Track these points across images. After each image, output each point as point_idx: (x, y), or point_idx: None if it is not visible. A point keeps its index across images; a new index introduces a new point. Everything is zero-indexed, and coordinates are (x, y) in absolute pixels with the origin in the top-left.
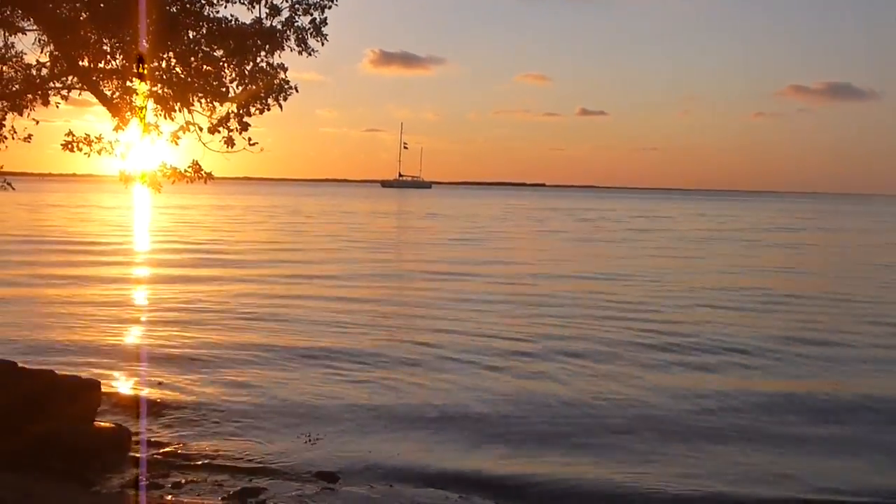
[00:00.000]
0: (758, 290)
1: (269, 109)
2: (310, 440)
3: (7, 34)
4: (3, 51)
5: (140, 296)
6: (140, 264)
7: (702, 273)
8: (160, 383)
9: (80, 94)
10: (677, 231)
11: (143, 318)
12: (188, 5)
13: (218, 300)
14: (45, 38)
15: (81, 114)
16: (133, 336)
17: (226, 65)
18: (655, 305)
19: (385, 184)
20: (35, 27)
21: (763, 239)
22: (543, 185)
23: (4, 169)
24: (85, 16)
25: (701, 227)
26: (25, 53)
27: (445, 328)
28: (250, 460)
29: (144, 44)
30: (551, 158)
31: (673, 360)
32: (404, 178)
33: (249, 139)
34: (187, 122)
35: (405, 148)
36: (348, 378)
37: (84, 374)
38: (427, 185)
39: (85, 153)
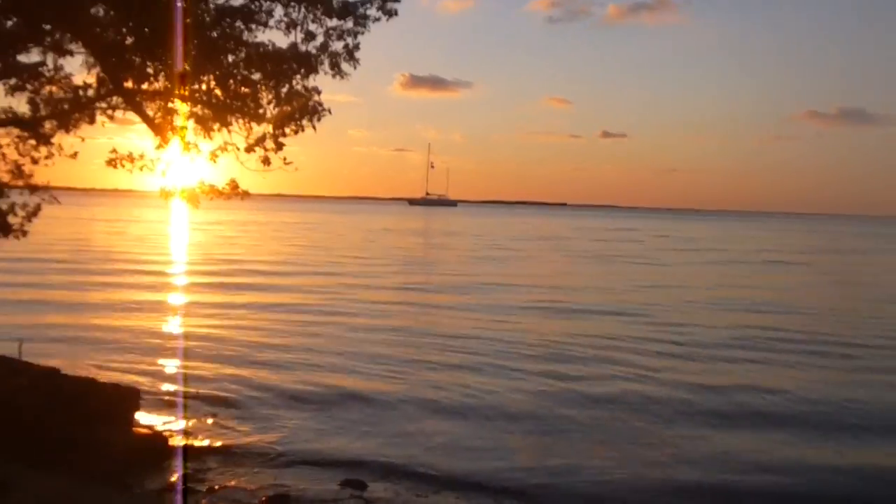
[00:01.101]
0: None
1: (303, 130)
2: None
3: (56, 56)
4: (52, 72)
5: (173, 316)
6: (178, 279)
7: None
8: (198, 394)
9: (124, 113)
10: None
11: (181, 329)
12: (228, 30)
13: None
14: (91, 60)
15: (125, 132)
16: (173, 345)
17: (263, 87)
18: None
19: (412, 202)
20: (83, 50)
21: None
22: (565, 204)
23: (51, 184)
24: (130, 40)
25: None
26: (73, 75)
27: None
28: (284, 459)
29: (186, 67)
30: (574, 178)
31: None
32: (431, 196)
33: (284, 158)
34: (225, 143)
35: (432, 167)
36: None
37: (125, 379)
38: (453, 204)
39: (128, 170)
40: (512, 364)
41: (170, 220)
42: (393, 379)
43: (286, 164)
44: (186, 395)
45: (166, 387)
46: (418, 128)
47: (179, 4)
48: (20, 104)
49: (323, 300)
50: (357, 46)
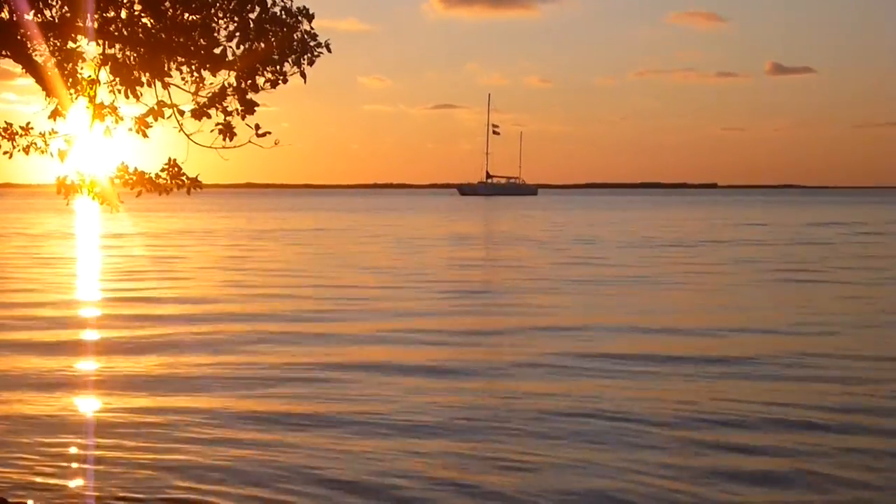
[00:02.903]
0: None
1: (285, 81)
2: None
3: None
4: None
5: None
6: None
7: None
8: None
9: None
10: None
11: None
12: None
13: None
14: None
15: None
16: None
17: (219, 10)
18: None
19: (465, 189)
20: None
21: None
22: (715, 185)
23: None
24: None
25: None
26: None
27: None
28: None
29: None
30: (726, 144)
31: None
32: (495, 179)
33: (257, 127)
34: (160, 103)
35: (496, 133)
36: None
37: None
38: (531, 191)
39: (5, 152)
40: None
41: (72, 231)
42: None
43: (259, 135)
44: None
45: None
46: (471, 69)
47: None
48: None
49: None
50: None
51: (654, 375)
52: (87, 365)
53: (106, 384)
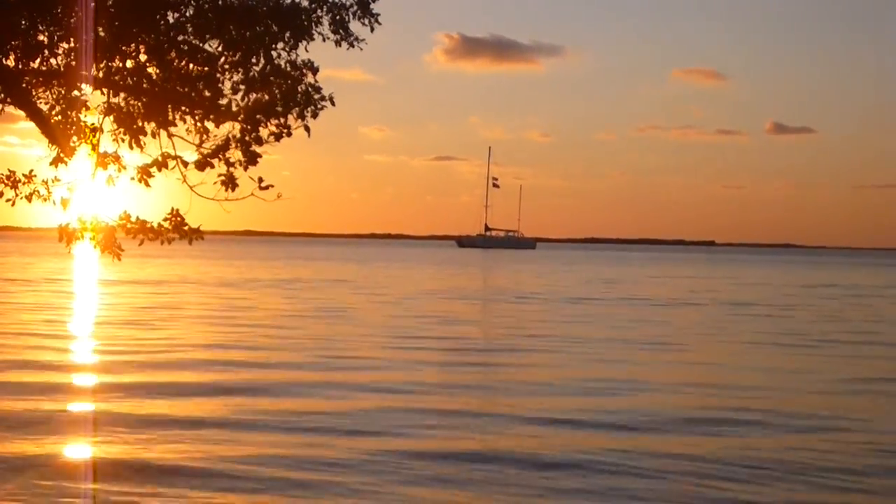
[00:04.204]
0: None
1: (289, 134)
2: None
3: None
4: None
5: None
6: None
7: None
8: None
9: (1, 109)
10: None
11: None
12: None
13: None
14: None
15: (1, 133)
16: None
17: (224, 63)
18: None
19: (463, 242)
20: None
21: None
22: (713, 242)
23: None
24: None
25: None
26: None
27: None
28: None
29: (100, 31)
30: (725, 202)
31: None
32: (494, 232)
33: (260, 180)
34: (164, 154)
35: (495, 186)
36: None
37: None
38: (529, 245)
39: (7, 200)
40: None
41: (72, 277)
42: None
43: (262, 187)
44: None
45: None
46: (472, 122)
47: None
48: None
49: None
50: None
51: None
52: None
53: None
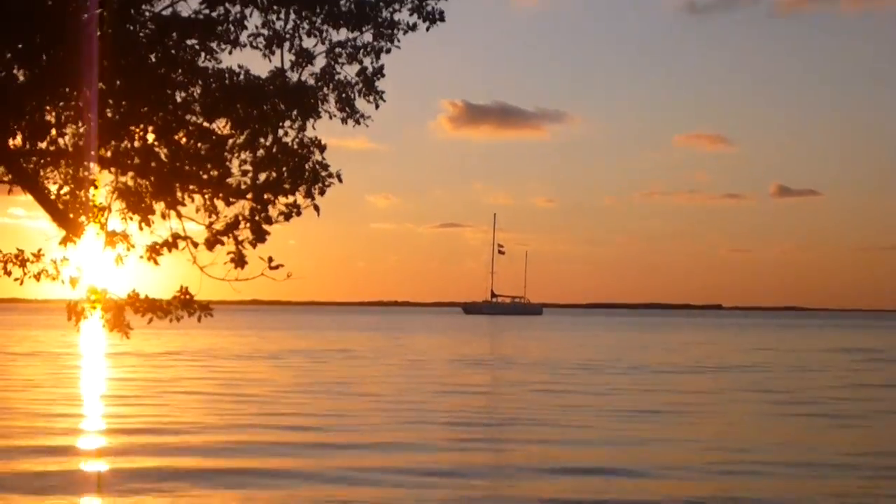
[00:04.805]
0: None
1: (298, 213)
2: None
3: None
4: None
5: None
6: None
7: None
8: None
9: (9, 190)
10: None
11: None
12: (175, 52)
13: None
14: None
15: (7, 205)
16: None
17: (232, 141)
18: None
19: (469, 308)
20: None
21: None
22: (720, 306)
23: None
24: (18, 72)
25: None
26: None
27: None
28: None
29: (108, 111)
30: (731, 265)
31: None
32: (500, 298)
33: (270, 259)
34: (174, 235)
35: (500, 252)
36: None
37: None
38: (536, 310)
39: (16, 279)
40: None
41: (78, 352)
42: None
43: (272, 267)
44: None
45: None
46: (477, 189)
47: (95, 13)
48: None
49: None
50: (381, 71)
51: None
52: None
53: None
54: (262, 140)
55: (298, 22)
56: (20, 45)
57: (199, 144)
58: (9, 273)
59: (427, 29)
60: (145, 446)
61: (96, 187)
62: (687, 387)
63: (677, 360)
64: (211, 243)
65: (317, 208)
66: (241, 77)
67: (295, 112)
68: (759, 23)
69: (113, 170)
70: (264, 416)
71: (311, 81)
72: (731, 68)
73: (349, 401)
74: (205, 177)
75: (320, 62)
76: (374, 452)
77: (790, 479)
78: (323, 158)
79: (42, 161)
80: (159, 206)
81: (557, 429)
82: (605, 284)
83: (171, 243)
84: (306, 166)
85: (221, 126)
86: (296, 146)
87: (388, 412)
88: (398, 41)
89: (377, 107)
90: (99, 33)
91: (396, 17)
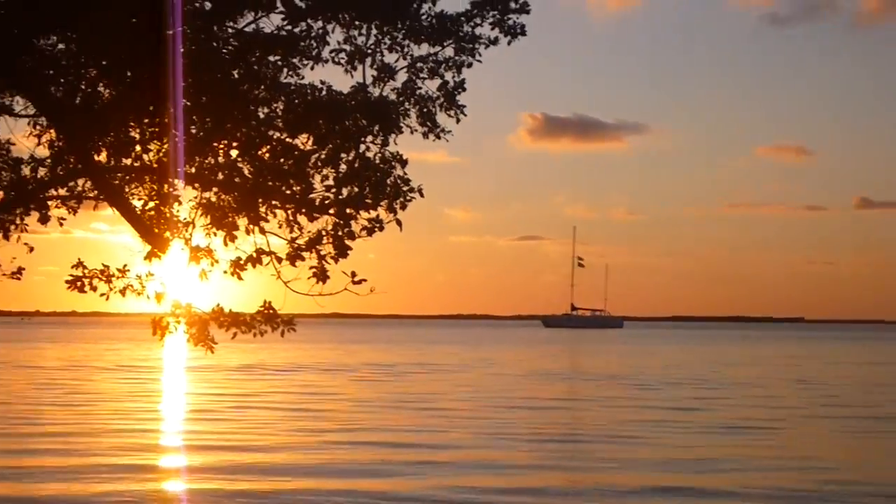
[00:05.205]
0: None
1: (381, 228)
2: None
3: None
4: None
5: None
6: None
7: None
8: None
9: (95, 206)
10: None
11: None
12: (257, 68)
13: None
14: (42, 123)
15: (90, 220)
16: None
17: (314, 157)
18: None
19: (549, 321)
20: (27, 110)
21: None
22: (802, 319)
23: None
24: (103, 90)
25: None
26: (13, 144)
27: None
28: None
29: (192, 128)
30: (813, 278)
31: None
32: (580, 311)
33: (353, 274)
34: (258, 251)
35: (580, 265)
36: None
37: None
38: (616, 323)
39: (101, 294)
40: None
41: (162, 367)
42: None
43: (355, 282)
44: None
45: None
46: (557, 201)
47: (179, 30)
48: None
49: None
50: (462, 85)
51: None
52: None
53: None
54: (344, 155)
55: (380, 37)
56: (105, 62)
57: (281, 160)
58: (94, 288)
59: (508, 43)
60: (228, 466)
61: (180, 203)
62: (775, 402)
63: (767, 372)
64: (293, 258)
65: (399, 223)
66: (324, 93)
67: (377, 127)
68: (840, 33)
69: (197, 185)
70: (347, 433)
71: (393, 96)
72: (812, 79)
73: (432, 417)
74: (287, 192)
75: (402, 77)
76: (463, 471)
77: None
78: (404, 173)
79: (127, 177)
80: (243, 222)
81: (648, 447)
82: (685, 296)
83: (255, 258)
84: (388, 181)
85: (304, 141)
86: (378, 161)
87: (479, 428)
88: (479, 55)
89: (458, 121)
90: (182, 50)
91: (478, 31)
